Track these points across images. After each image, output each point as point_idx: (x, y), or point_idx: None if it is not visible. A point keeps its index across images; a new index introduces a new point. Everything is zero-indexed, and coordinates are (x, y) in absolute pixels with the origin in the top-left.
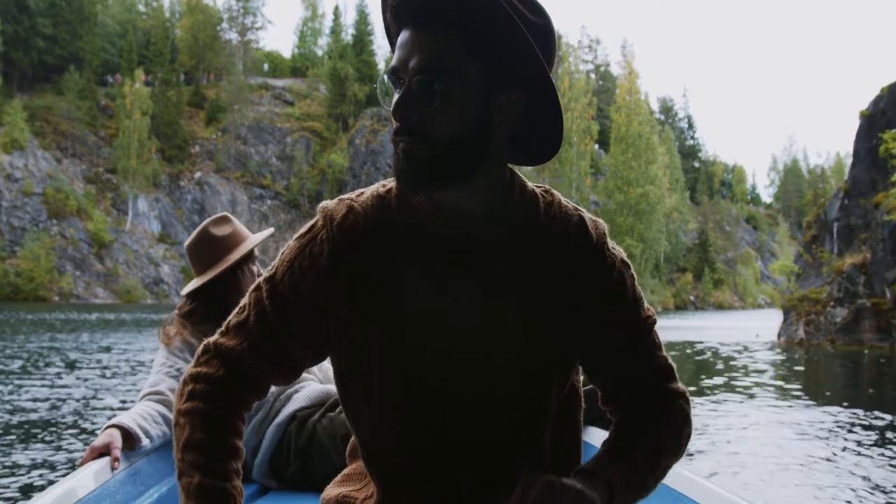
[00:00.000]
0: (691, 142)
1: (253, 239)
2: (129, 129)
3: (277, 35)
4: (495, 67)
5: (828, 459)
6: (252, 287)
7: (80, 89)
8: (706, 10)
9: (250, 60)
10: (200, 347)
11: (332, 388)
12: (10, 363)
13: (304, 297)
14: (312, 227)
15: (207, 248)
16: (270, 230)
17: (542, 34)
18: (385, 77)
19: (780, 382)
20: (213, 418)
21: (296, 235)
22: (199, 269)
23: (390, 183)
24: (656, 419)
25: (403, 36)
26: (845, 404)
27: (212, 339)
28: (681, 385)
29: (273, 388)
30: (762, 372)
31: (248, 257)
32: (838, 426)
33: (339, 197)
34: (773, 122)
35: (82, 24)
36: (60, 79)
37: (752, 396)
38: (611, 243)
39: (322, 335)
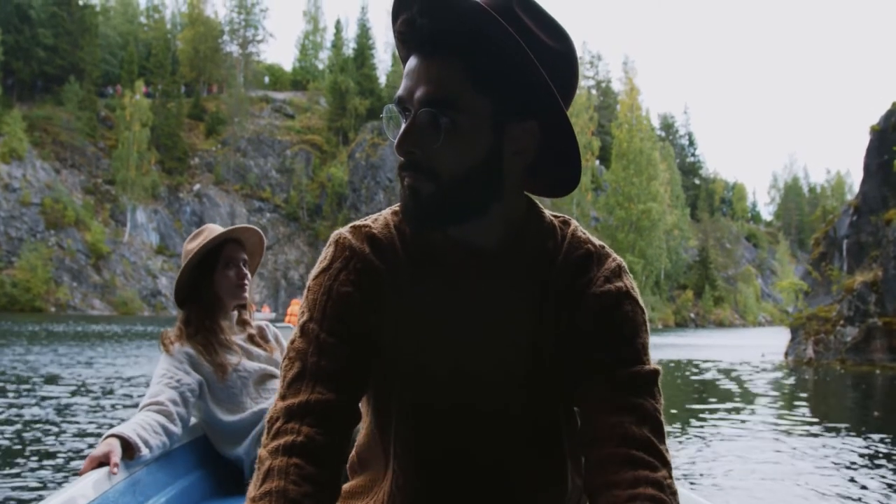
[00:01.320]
0: (692, 159)
1: (204, 240)
2: (129, 141)
3: (279, 48)
4: (507, 98)
5: (836, 485)
6: (289, 344)
7: (80, 100)
8: (707, 28)
9: (251, 73)
10: (266, 425)
11: None
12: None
13: (355, 321)
14: (334, 258)
15: (183, 262)
16: (239, 226)
17: (561, 61)
18: (391, 106)
19: (789, 404)
20: (296, 502)
21: (316, 273)
22: None
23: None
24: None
25: (410, 64)
26: (857, 427)
27: (273, 409)
28: (668, 455)
29: (273, 400)
30: (771, 393)
31: (214, 262)
32: (849, 450)
33: (352, 224)
34: (773, 140)
35: (83, 35)
36: (60, 89)
37: (760, 419)
38: (624, 277)
39: (373, 356)
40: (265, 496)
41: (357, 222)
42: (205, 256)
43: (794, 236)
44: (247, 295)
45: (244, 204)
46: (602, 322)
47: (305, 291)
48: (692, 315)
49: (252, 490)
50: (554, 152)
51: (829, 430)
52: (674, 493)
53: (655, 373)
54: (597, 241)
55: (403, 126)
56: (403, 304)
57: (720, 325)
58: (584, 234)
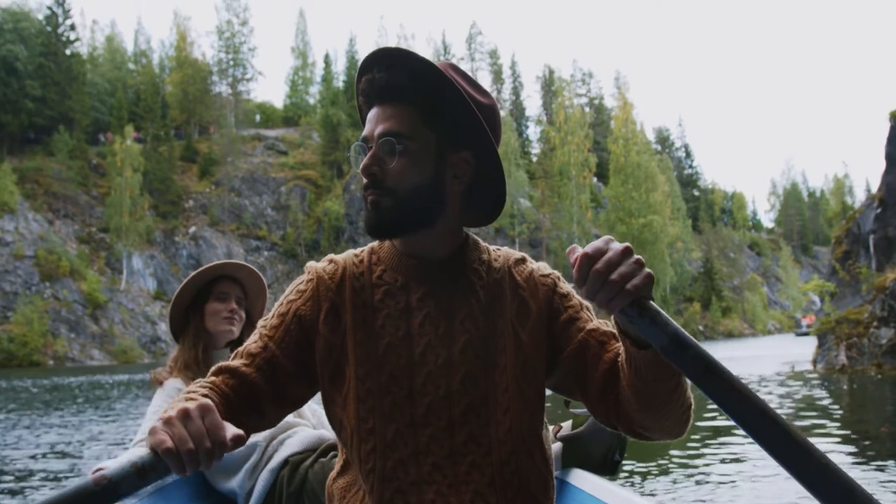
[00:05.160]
0: (689, 170)
1: (194, 280)
2: (121, 187)
3: (269, 86)
4: (448, 133)
5: None
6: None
7: (70, 149)
8: (696, 40)
9: (242, 112)
10: (212, 369)
11: (325, 433)
12: None
13: (290, 322)
14: (299, 281)
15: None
16: (229, 261)
17: (488, 111)
18: (356, 146)
19: (830, 419)
20: (208, 385)
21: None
22: None
23: (366, 247)
24: None
25: (371, 113)
26: None
27: (223, 362)
28: None
29: (265, 433)
30: (809, 407)
31: (206, 295)
32: None
33: (325, 257)
34: (769, 147)
35: (71, 84)
36: (50, 140)
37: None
38: (554, 273)
39: (307, 357)
40: (189, 391)
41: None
42: (198, 292)
43: (797, 242)
44: (234, 330)
45: (241, 244)
46: (562, 304)
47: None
48: (701, 328)
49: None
50: (485, 178)
51: (881, 447)
52: None
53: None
54: (526, 256)
55: (368, 154)
56: (359, 310)
57: (730, 335)
58: (513, 251)
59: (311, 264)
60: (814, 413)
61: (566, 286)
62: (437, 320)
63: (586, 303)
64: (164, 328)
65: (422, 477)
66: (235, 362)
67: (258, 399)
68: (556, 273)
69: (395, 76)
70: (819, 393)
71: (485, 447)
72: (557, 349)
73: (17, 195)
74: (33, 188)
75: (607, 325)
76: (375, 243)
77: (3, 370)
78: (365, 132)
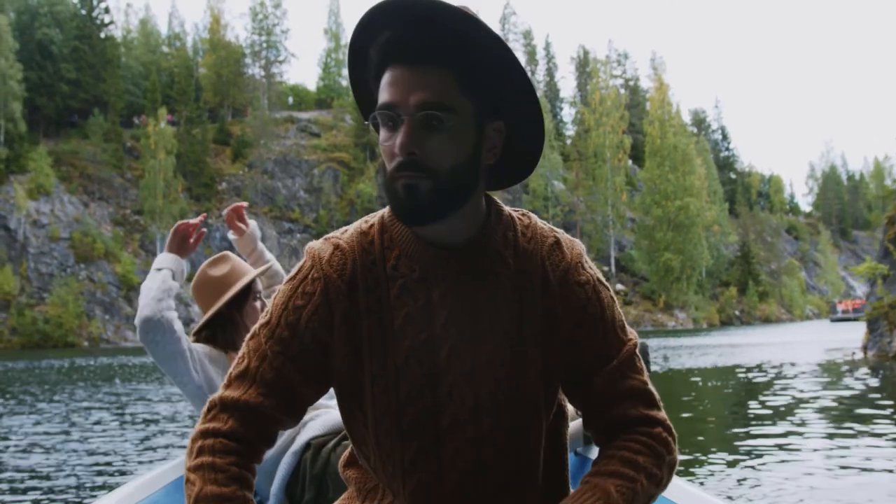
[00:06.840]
0: (726, 153)
1: (249, 275)
2: (155, 170)
3: (302, 68)
4: (486, 101)
5: None
6: (247, 337)
7: (104, 132)
8: (733, 20)
9: (275, 94)
10: (206, 405)
11: None
12: (25, 416)
13: (303, 334)
14: (301, 268)
15: (206, 289)
16: (266, 266)
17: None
18: (380, 115)
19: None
20: (223, 470)
21: (286, 279)
22: (202, 308)
23: (372, 218)
24: (635, 445)
25: (397, 73)
26: None
27: (215, 395)
28: (662, 413)
29: None
30: (867, 396)
31: (246, 294)
32: None
33: (325, 237)
34: (808, 129)
35: (105, 68)
36: (85, 123)
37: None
38: (587, 263)
39: (324, 368)
40: (199, 468)
41: (329, 234)
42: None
43: (836, 226)
44: None
45: (274, 226)
46: (586, 310)
47: (275, 294)
48: (737, 312)
49: (188, 462)
50: (518, 145)
51: None
52: (667, 444)
53: (635, 345)
54: (556, 230)
55: (403, 129)
56: (373, 308)
57: (767, 320)
58: (544, 224)
59: (313, 248)
60: (872, 404)
61: (600, 301)
62: (462, 321)
63: (619, 315)
64: (197, 309)
65: (445, 495)
66: (251, 394)
67: (280, 426)
68: (593, 276)
69: (428, 36)
70: (873, 382)
71: (512, 461)
72: (570, 368)
73: (53, 178)
74: (68, 171)
75: (632, 365)
76: (386, 214)
77: (38, 351)
78: (390, 98)
